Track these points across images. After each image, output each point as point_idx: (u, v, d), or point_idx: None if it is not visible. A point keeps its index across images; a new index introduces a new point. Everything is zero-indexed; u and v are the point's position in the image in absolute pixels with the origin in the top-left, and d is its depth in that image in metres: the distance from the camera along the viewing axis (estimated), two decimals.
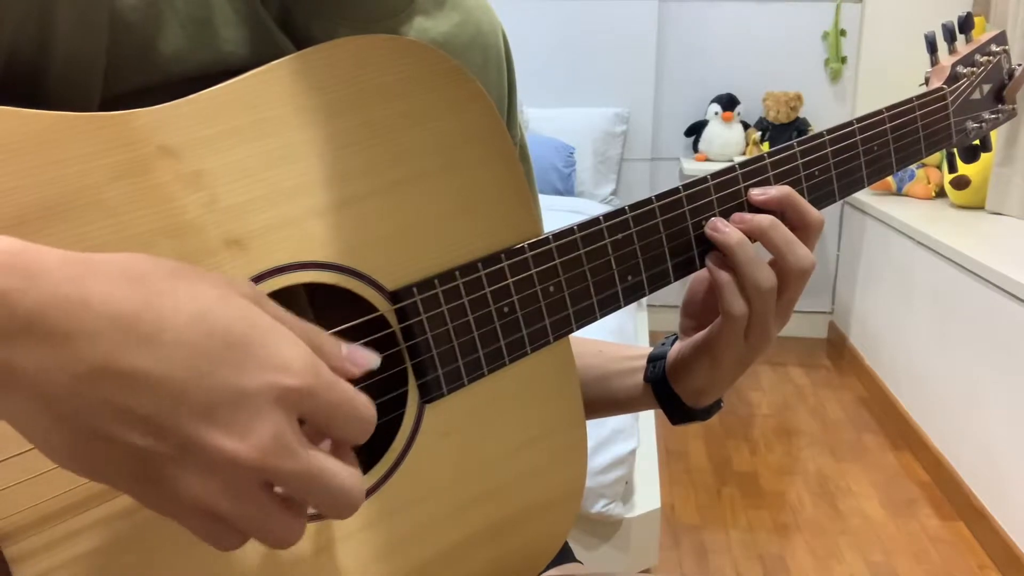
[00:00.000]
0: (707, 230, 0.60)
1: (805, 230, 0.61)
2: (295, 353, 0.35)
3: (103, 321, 0.32)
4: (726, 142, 3.36)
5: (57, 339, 0.31)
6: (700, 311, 0.65)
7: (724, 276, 0.59)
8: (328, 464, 0.36)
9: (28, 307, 0.31)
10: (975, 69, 0.76)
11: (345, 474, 0.37)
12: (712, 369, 0.63)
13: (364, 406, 0.38)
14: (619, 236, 0.59)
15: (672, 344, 0.68)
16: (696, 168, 3.31)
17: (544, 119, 3.35)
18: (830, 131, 0.66)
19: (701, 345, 0.64)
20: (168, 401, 0.33)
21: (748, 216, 0.60)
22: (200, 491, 0.34)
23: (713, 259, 0.60)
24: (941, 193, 3.05)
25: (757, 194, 0.61)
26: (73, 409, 0.32)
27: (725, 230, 0.59)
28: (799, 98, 3.31)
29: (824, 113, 3.38)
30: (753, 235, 0.59)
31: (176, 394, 0.33)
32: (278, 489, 0.36)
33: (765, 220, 0.59)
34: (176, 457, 0.33)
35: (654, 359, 0.68)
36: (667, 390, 0.67)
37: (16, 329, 0.31)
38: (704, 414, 0.68)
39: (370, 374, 0.52)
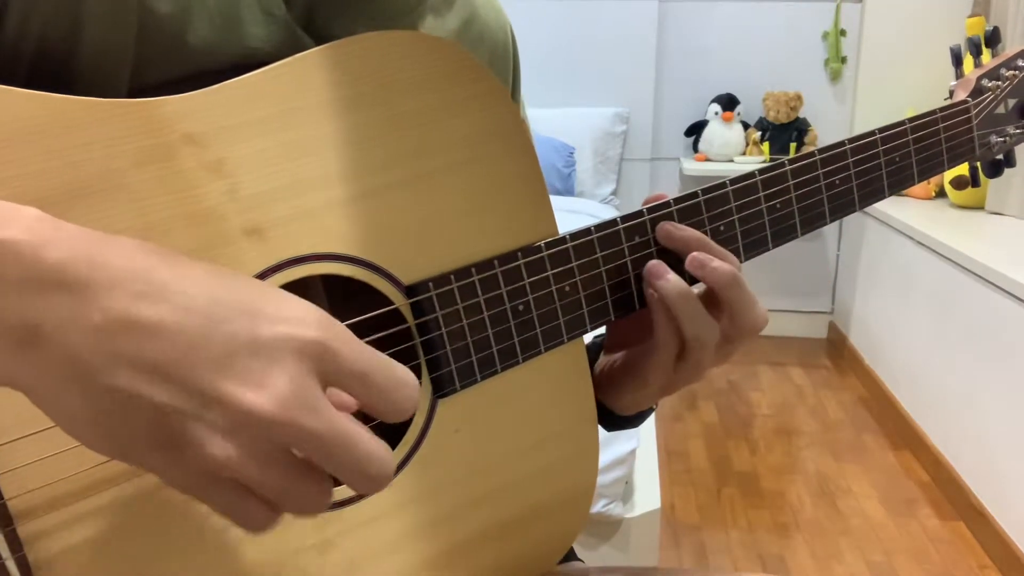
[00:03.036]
0: (647, 274, 0.57)
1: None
2: (309, 308, 0.35)
3: (121, 273, 0.32)
4: (726, 142, 3.36)
5: (78, 290, 0.32)
6: (628, 328, 0.63)
7: (661, 307, 0.56)
8: (353, 428, 0.34)
9: (51, 259, 0.32)
10: (1000, 83, 0.76)
11: (372, 441, 0.35)
12: (638, 388, 0.62)
13: (402, 372, 0.36)
14: (636, 239, 0.58)
15: (596, 353, 0.66)
16: (696, 168, 3.32)
17: (544, 119, 3.35)
18: (851, 140, 0.66)
19: (628, 364, 0.62)
20: (184, 350, 0.32)
21: (707, 260, 0.57)
22: (223, 455, 0.33)
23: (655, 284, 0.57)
24: (941, 193, 3.05)
25: (671, 230, 0.58)
26: (93, 366, 0.32)
27: (668, 277, 0.56)
28: (799, 98, 3.31)
29: (824, 113, 3.39)
30: (708, 283, 0.57)
31: (192, 343, 0.32)
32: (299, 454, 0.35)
33: (726, 273, 0.56)
34: (196, 414, 0.32)
35: None
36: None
37: (39, 281, 0.31)
38: (634, 421, 0.67)
39: None
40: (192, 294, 0.33)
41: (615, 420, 0.66)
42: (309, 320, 0.34)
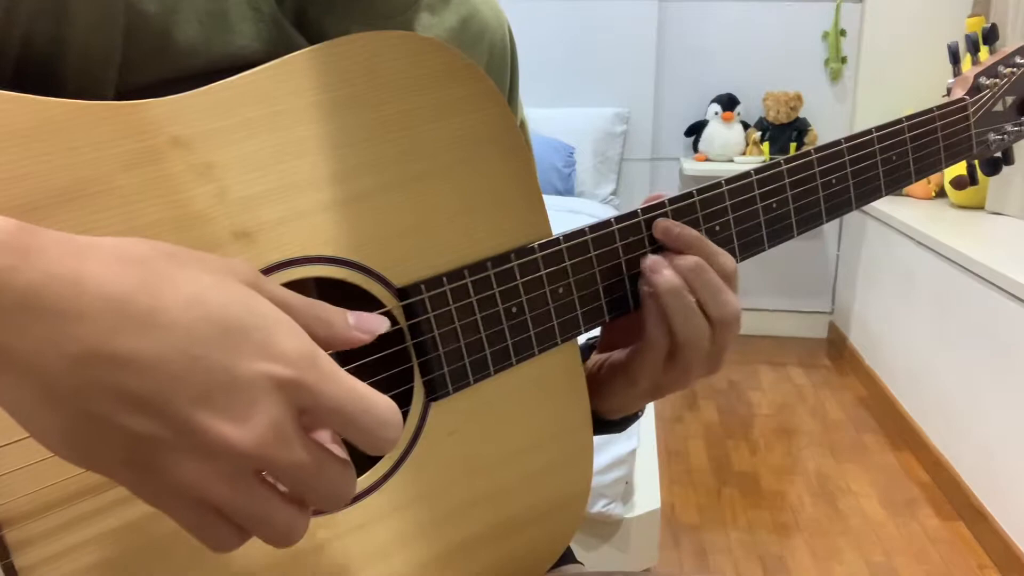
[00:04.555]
0: (644, 268, 0.57)
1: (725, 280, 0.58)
2: (291, 343, 0.35)
3: (96, 303, 0.32)
4: (726, 142, 3.35)
5: (50, 319, 0.31)
6: (622, 329, 0.63)
7: (654, 305, 0.57)
8: (321, 456, 0.35)
9: (22, 285, 0.31)
10: (998, 81, 0.75)
11: (336, 467, 0.36)
12: (628, 389, 0.61)
13: (383, 410, 0.36)
14: (631, 239, 0.58)
15: (586, 353, 0.66)
16: (696, 168, 3.31)
17: (544, 119, 3.35)
18: (848, 139, 0.66)
19: (620, 365, 0.62)
20: (162, 384, 0.32)
21: (674, 256, 0.58)
22: (195, 477, 0.33)
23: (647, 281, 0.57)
24: (941, 193, 3.05)
25: (669, 226, 0.58)
26: (66, 391, 0.31)
27: (665, 273, 0.56)
28: (799, 98, 3.31)
29: (824, 113, 3.38)
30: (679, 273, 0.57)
31: (170, 377, 0.32)
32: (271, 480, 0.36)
33: (689, 261, 0.56)
34: (171, 441, 0.32)
35: None
36: None
37: (10, 306, 0.31)
38: (620, 425, 0.66)
39: (376, 370, 0.52)
40: (169, 327, 0.33)
41: (600, 424, 0.66)
42: (290, 357, 0.34)
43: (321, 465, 0.35)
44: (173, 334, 0.33)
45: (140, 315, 0.32)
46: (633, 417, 0.66)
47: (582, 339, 0.66)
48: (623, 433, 1.66)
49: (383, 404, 0.36)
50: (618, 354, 0.63)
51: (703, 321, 0.56)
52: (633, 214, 0.58)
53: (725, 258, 0.58)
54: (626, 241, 0.58)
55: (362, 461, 0.49)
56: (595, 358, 0.65)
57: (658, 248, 0.59)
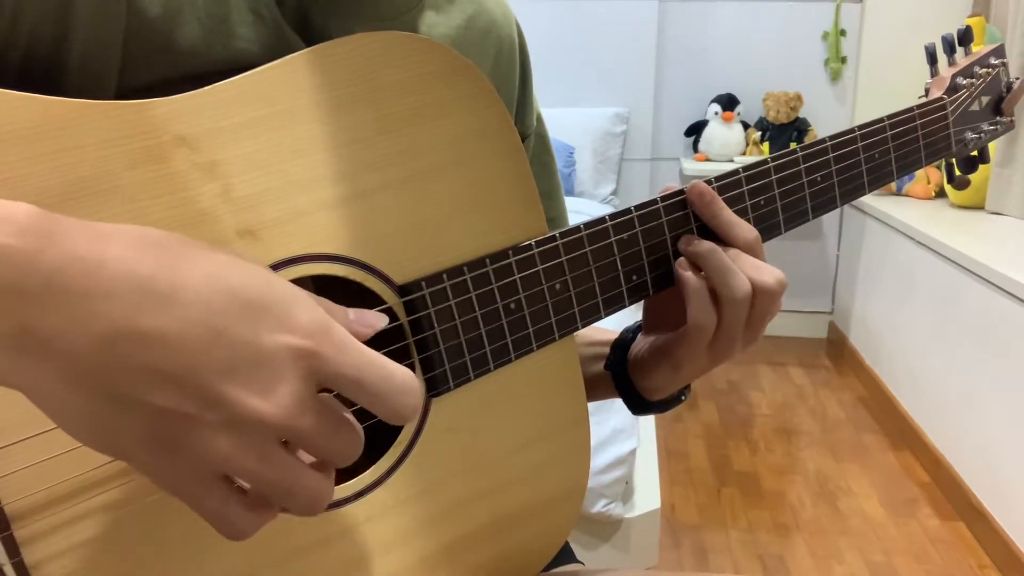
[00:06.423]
0: (680, 243, 0.60)
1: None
2: (307, 315, 0.36)
3: (119, 281, 0.32)
4: (726, 142, 3.36)
5: (75, 299, 0.31)
6: (666, 310, 0.65)
7: (695, 283, 0.58)
8: (338, 421, 0.36)
9: (46, 266, 0.31)
10: (974, 81, 0.77)
11: (347, 431, 0.37)
12: (672, 373, 0.63)
13: (401, 378, 0.37)
14: (624, 236, 0.59)
15: (635, 333, 0.68)
16: (696, 168, 3.32)
17: (544, 119, 3.35)
18: (832, 138, 0.67)
19: (663, 349, 0.63)
20: (188, 359, 0.33)
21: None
22: (223, 451, 0.34)
23: (684, 264, 0.59)
24: (941, 193, 3.05)
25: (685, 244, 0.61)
26: (92, 372, 0.32)
27: (697, 241, 0.59)
28: (799, 98, 3.31)
29: (824, 113, 3.39)
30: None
31: (196, 352, 0.33)
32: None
33: (729, 252, 0.59)
34: (199, 416, 0.33)
35: (617, 347, 0.68)
36: (627, 380, 0.67)
37: (35, 289, 0.31)
38: (664, 406, 0.67)
39: None
40: (191, 302, 0.33)
41: (643, 404, 0.67)
42: (307, 328, 0.35)
43: (338, 429, 0.36)
44: (195, 309, 0.33)
45: (162, 292, 0.33)
46: (676, 399, 0.67)
47: (631, 321, 0.68)
48: (623, 433, 1.68)
49: (400, 372, 0.37)
50: (663, 337, 0.64)
51: (743, 280, 0.57)
52: (627, 211, 0.59)
53: (746, 229, 0.61)
54: (620, 237, 0.59)
55: (363, 460, 0.50)
56: (641, 339, 0.67)
57: (651, 243, 0.60)
